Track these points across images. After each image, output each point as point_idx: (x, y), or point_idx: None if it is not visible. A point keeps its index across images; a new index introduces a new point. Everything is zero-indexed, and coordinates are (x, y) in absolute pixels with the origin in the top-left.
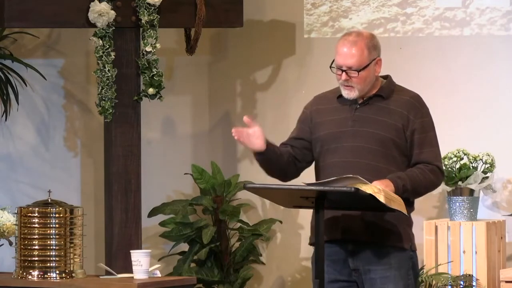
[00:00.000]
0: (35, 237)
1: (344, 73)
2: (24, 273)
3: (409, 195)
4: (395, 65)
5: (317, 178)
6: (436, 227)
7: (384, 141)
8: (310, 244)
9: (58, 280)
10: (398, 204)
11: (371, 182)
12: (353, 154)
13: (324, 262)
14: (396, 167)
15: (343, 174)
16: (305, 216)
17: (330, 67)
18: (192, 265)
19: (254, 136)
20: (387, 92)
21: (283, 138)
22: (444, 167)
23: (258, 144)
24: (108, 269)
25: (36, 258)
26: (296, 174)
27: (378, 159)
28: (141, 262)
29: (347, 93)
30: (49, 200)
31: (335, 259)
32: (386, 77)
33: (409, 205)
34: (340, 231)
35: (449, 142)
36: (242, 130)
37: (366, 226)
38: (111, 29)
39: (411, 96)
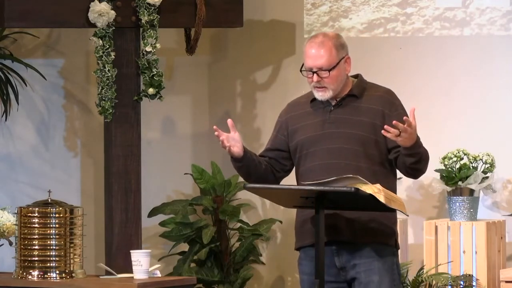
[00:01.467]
0: (35, 237)
1: (315, 74)
2: (24, 273)
3: (419, 159)
4: (395, 65)
5: (298, 183)
6: (436, 227)
7: (363, 140)
8: (296, 249)
9: (58, 280)
10: (398, 204)
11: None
12: (333, 156)
13: (310, 264)
14: (377, 166)
15: (324, 176)
16: None
17: (300, 70)
18: (192, 265)
19: (234, 140)
20: (359, 90)
21: None
22: (444, 167)
23: (237, 149)
24: (108, 269)
25: (36, 258)
26: (276, 183)
27: (358, 159)
28: (141, 262)
29: (321, 95)
30: (49, 200)
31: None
32: (357, 77)
33: None
34: (325, 232)
35: (449, 142)
36: (223, 133)
37: (349, 225)
38: (111, 29)
39: (383, 92)
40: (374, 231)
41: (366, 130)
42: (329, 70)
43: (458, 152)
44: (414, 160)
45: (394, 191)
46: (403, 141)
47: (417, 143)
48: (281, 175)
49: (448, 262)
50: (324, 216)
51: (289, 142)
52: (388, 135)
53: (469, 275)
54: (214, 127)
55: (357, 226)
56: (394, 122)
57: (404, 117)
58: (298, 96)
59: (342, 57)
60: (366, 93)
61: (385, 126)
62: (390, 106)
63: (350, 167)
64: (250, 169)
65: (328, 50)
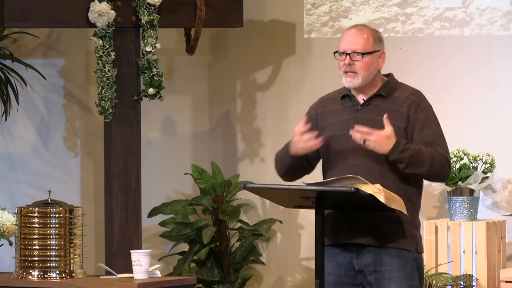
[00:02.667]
0: (35, 237)
1: (348, 56)
2: (24, 273)
3: (407, 164)
4: (395, 65)
5: (324, 170)
6: (436, 227)
7: None
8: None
9: (58, 280)
10: (398, 204)
11: (374, 184)
12: (356, 157)
13: (329, 264)
14: (400, 169)
15: (349, 165)
16: (305, 216)
17: (334, 53)
18: (192, 265)
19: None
20: (387, 91)
21: (283, 138)
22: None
23: (308, 148)
24: (108, 269)
25: (36, 258)
26: (300, 177)
27: (381, 161)
28: (141, 262)
29: (349, 81)
30: (49, 200)
31: (340, 261)
32: (388, 76)
33: (414, 204)
34: (344, 234)
35: (449, 142)
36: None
37: (369, 228)
38: (111, 29)
39: (410, 93)
40: (394, 235)
41: None
42: (363, 54)
43: (458, 152)
44: (403, 166)
45: (417, 197)
46: (374, 148)
47: (396, 149)
48: (311, 169)
49: (448, 262)
50: (344, 217)
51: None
52: (355, 138)
53: (469, 275)
54: (305, 120)
55: (376, 229)
56: (355, 127)
57: (384, 117)
58: (330, 92)
59: (378, 50)
60: (395, 94)
61: (350, 130)
62: (416, 108)
63: (373, 169)
64: (294, 166)
65: (366, 36)
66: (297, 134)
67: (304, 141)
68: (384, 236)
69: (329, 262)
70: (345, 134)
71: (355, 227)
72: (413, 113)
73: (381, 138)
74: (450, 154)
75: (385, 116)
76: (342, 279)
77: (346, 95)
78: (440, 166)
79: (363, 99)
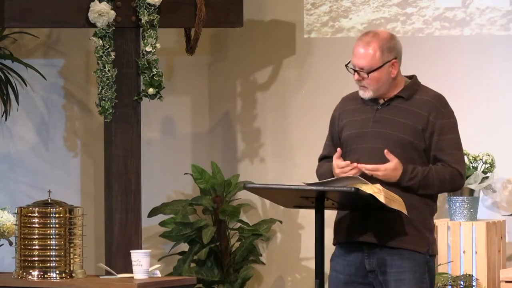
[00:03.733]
0: (35, 237)
1: (356, 73)
2: (24, 273)
3: (418, 188)
4: None
5: None
6: (436, 227)
7: (402, 143)
8: (334, 244)
9: (58, 280)
10: (398, 204)
11: (360, 181)
12: (371, 156)
13: (341, 262)
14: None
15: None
16: (305, 216)
17: (346, 66)
18: (192, 265)
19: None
20: (409, 93)
21: (283, 138)
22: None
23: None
24: (108, 269)
25: (36, 258)
26: None
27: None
28: (141, 262)
29: (362, 93)
30: (49, 200)
31: (351, 260)
32: (411, 77)
33: (429, 206)
34: (357, 232)
35: None
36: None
37: (382, 228)
38: (111, 29)
39: (432, 97)
40: (406, 236)
41: (405, 132)
42: (368, 73)
43: None
44: (415, 189)
45: (433, 200)
46: (383, 180)
47: (404, 178)
48: None
49: (448, 262)
50: (356, 216)
51: (339, 136)
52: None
53: (469, 275)
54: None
55: (389, 230)
56: (359, 166)
57: (385, 151)
58: (352, 91)
59: (388, 60)
60: (416, 96)
61: (359, 165)
62: (436, 113)
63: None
64: None
65: (373, 51)
66: (339, 169)
67: (343, 173)
68: (396, 237)
69: (341, 261)
70: (363, 132)
71: (368, 227)
72: (433, 118)
73: (388, 171)
74: (464, 163)
75: (386, 151)
76: (353, 278)
77: None
78: (451, 182)
79: (384, 100)
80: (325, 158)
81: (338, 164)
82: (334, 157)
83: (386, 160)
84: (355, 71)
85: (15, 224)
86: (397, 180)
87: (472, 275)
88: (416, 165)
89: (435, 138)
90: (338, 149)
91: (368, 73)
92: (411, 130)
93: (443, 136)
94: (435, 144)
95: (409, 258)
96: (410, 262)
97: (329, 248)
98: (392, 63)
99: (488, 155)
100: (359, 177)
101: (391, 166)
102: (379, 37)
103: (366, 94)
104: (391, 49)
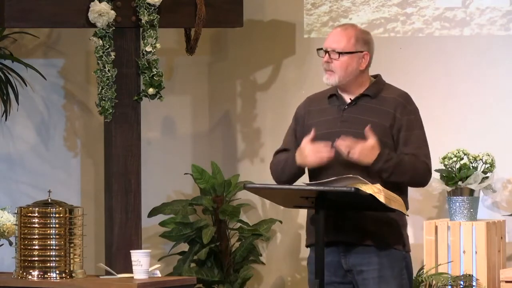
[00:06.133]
0: (35, 237)
1: (327, 54)
2: (24, 273)
3: (390, 173)
4: (395, 65)
5: (310, 179)
6: (436, 227)
7: None
8: (307, 246)
9: (58, 280)
10: (398, 204)
11: (360, 181)
12: (341, 155)
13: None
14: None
15: (334, 174)
16: (305, 216)
17: (318, 50)
18: (192, 265)
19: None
20: (374, 91)
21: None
22: (444, 167)
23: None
24: (108, 269)
25: (36, 258)
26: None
27: None
28: (141, 262)
29: (326, 78)
30: (49, 200)
31: (329, 261)
32: (376, 77)
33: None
34: (332, 232)
35: (449, 142)
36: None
37: (357, 227)
38: (111, 29)
39: (398, 95)
40: (381, 234)
41: (375, 131)
42: (340, 53)
43: (458, 152)
44: (386, 175)
45: (404, 196)
46: (358, 158)
47: (380, 159)
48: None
49: (448, 262)
50: (330, 216)
51: (305, 134)
52: (339, 149)
53: (469, 275)
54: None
55: (363, 228)
56: (339, 139)
57: (366, 129)
58: (317, 92)
59: (360, 50)
60: (382, 94)
61: (335, 142)
62: (402, 110)
63: (359, 166)
64: (298, 175)
65: (347, 36)
66: (308, 146)
67: (316, 152)
68: (372, 235)
69: None
70: (331, 132)
71: (343, 226)
72: (399, 114)
73: (365, 149)
74: (431, 159)
75: (367, 128)
76: (332, 278)
77: (333, 95)
78: (422, 174)
79: (350, 99)
80: (285, 150)
81: (315, 146)
82: (306, 140)
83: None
84: (326, 52)
85: (15, 224)
86: (372, 162)
87: (472, 275)
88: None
89: (402, 134)
90: (312, 131)
91: (339, 54)
92: (379, 128)
93: (410, 131)
94: (402, 140)
95: (387, 255)
96: (387, 259)
97: None
98: (364, 54)
99: (488, 155)
100: (359, 177)
101: (369, 144)
102: (357, 28)
103: (330, 80)
104: (366, 42)
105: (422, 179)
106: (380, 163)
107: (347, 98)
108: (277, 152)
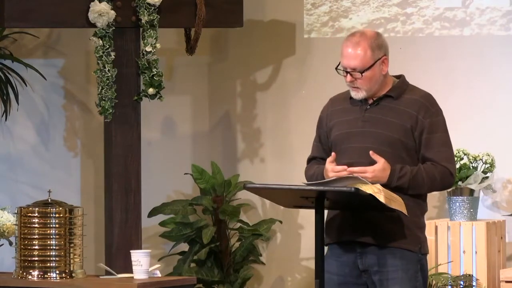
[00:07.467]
0: (35, 237)
1: (348, 74)
2: (24, 273)
3: (407, 188)
4: (395, 65)
5: None
6: (436, 227)
7: (392, 142)
8: (326, 244)
9: (58, 280)
10: (398, 204)
11: (360, 181)
12: (361, 155)
13: (334, 263)
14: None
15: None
16: (305, 216)
17: (336, 68)
18: (192, 265)
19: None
20: (397, 92)
21: (283, 138)
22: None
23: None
24: (108, 269)
25: (36, 258)
26: None
27: (386, 160)
28: (141, 262)
29: (354, 94)
30: (49, 200)
31: (344, 261)
32: (399, 77)
33: (419, 205)
34: (349, 232)
35: None
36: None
37: (374, 227)
38: (111, 29)
39: (421, 96)
40: (397, 235)
41: (394, 131)
42: (362, 72)
43: (458, 152)
44: (405, 190)
45: (423, 199)
46: (373, 182)
47: (393, 177)
48: None
49: (448, 262)
50: (348, 216)
51: (328, 137)
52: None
53: (469, 275)
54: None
55: (381, 229)
56: (348, 169)
57: (370, 153)
58: (341, 92)
59: (378, 58)
60: (405, 95)
61: (348, 169)
62: (425, 112)
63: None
64: None
65: (363, 51)
66: (329, 167)
67: (338, 175)
68: (388, 236)
69: (334, 262)
70: (353, 132)
71: (359, 226)
72: (422, 116)
73: (376, 172)
74: (454, 161)
75: (371, 152)
76: (347, 278)
77: None
78: (441, 180)
79: (373, 99)
80: (314, 158)
81: (334, 168)
82: (328, 160)
83: (372, 158)
84: (347, 72)
85: (15, 224)
86: (386, 181)
87: (472, 275)
88: (405, 164)
89: (424, 137)
90: (333, 153)
91: (361, 73)
92: (400, 128)
93: (432, 134)
94: (424, 142)
95: (402, 257)
96: (402, 261)
97: None
98: (382, 60)
99: (488, 155)
100: (359, 177)
101: (379, 167)
102: (367, 36)
103: (359, 95)
104: (380, 47)
105: (443, 185)
106: (393, 181)
107: (369, 98)
108: (309, 160)
